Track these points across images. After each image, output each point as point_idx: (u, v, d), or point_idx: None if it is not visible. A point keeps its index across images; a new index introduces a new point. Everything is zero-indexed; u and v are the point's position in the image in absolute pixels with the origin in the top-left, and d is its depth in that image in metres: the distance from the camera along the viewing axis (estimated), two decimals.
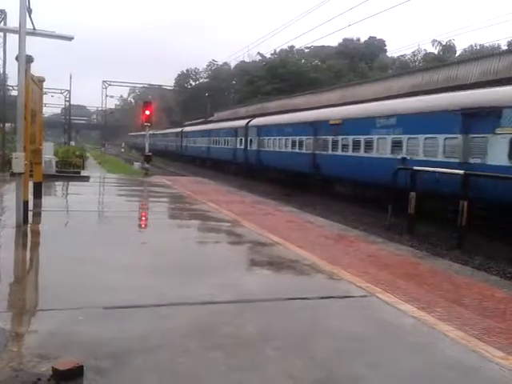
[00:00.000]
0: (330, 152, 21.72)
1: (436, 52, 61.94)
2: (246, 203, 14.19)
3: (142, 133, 68.88)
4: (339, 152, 20.90)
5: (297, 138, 25.44)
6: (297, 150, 25.28)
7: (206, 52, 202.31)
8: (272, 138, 28.90)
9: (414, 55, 67.76)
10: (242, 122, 35.23)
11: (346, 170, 19.76)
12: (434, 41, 60.70)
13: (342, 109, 22.94)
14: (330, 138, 21.70)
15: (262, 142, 30.38)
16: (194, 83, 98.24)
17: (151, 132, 66.25)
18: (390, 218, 13.96)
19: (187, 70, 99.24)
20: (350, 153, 20.03)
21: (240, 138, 34.43)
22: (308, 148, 23.98)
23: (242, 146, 33.78)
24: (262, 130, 30.63)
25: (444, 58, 54.49)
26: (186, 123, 65.50)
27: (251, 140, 32.20)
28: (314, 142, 23.28)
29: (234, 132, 35.99)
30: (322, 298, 5.31)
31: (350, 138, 19.99)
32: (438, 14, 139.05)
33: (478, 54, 34.42)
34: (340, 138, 20.85)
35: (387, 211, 13.94)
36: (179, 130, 58.60)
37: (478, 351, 3.96)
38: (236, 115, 49.53)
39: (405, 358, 3.85)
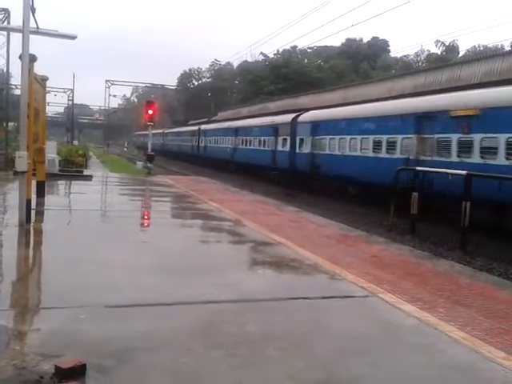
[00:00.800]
0: (453, 158, 14.80)
1: (439, 52, 61.84)
2: (249, 202, 14.20)
3: (143, 132, 67.76)
4: (475, 159, 14.05)
5: (384, 138, 18.20)
6: (383, 155, 18.20)
7: (209, 52, 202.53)
8: (337, 137, 21.67)
9: (417, 55, 67.64)
10: (285, 118, 28.19)
11: (489, 189, 12.18)
12: (437, 41, 60.64)
13: (477, 93, 15.68)
14: (452, 136, 15.06)
15: (318, 143, 23.19)
16: (196, 83, 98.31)
17: (161, 131, 65.15)
18: (392, 219, 13.95)
19: (190, 70, 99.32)
20: (499, 161, 13.36)
21: (283, 138, 27.33)
22: (405, 151, 17.11)
23: (286, 148, 26.70)
24: (320, 127, 23.30)
25: (447, 58, 54.41)
26: (190, 122, 65.18)
27: (302, 140, 24.96)
28: (419, 142, 16.45)
29: (273, 130, 28.61)
30: (323, 297, 5.31)
31: (502, 137, 13.36)
32: (441, 14, 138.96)
33: (481, 55, 34.39)
34: (477, 136, 14.14)
35: (389, 211, 13.93)
36: (196, 127, 51.38)
37: (480, 352, 3.95)
38: (238, 115, 49.37)
39: (407, 359, 3.85)
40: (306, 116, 25.92)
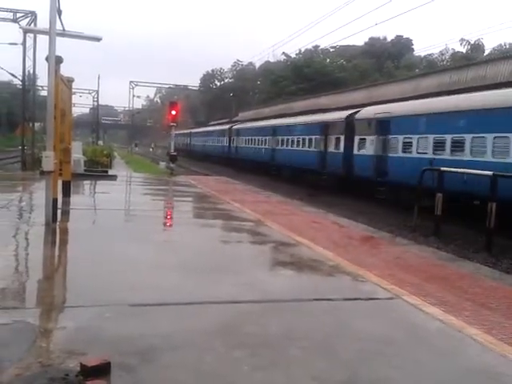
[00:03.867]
0: None
1: (464, 51, 60.92)
2: (270, 203, 14.18)
3: (186, 131, 65.29)
4: None
5: None
6: None
7: (231, 52, 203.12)
8: None
9: (442, 54, 66.79)
10: None
11: None
12: (462, 40, 59.72)
13: None
14: None
15: None
16: (218, 83, 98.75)
17: (225, 127, 59.06)
18: (416, 220, 13.78)
19: (212, 70, 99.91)
20: None
21: None
22: None
23: None
24: None
25: (472, 57, 53.49)
26: (211, 123, 65.23)
27: None
28: None
29: None
30: (346, 299, 5.27)
31: None
32: (467, 12, 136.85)
33: (507, 53, 33.72)
34: None
35: (412, 212, 13.75)
36: (321, 118, 27.42)
37: (506, 356, 3.88)
38: (260, 115, 49.19)
39: (431, 362, 3.80)
40: None
